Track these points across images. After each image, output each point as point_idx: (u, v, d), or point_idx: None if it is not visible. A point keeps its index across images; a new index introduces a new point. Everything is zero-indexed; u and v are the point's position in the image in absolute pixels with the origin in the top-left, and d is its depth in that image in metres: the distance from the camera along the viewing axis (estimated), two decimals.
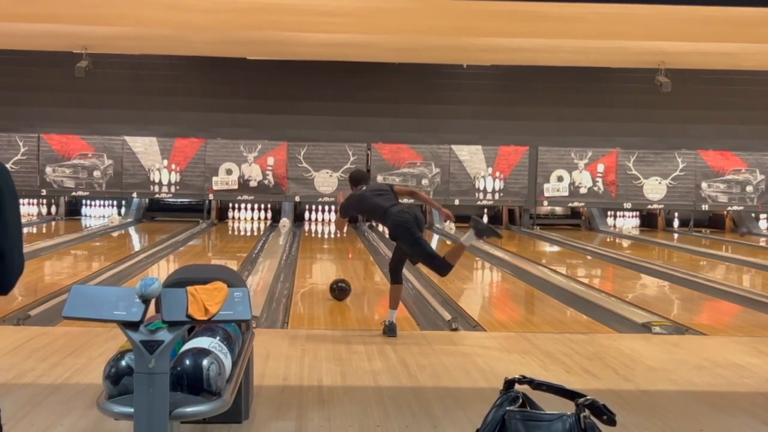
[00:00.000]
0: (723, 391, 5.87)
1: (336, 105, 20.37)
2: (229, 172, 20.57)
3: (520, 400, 2.39)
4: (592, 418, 2.27)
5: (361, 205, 7.94)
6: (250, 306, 3.64)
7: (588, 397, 2.30)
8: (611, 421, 2.28)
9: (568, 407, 2.50)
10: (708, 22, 12.32)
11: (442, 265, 7.71)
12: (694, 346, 7.41)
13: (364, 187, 8.02)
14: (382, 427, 4.91)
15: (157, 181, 20.45)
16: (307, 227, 20.31)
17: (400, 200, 7.86)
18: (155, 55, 19.40)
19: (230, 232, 19.60)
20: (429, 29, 13.39)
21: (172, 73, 20.40)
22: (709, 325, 8.84)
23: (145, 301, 3.41)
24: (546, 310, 10.00)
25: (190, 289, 3.53)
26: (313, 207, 21.18)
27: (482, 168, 20.95)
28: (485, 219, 21.89)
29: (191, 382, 3.71)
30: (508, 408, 2.35)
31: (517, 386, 2.47)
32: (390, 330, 7.49)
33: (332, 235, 19.28)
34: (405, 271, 12.11)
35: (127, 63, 19.82)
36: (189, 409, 3.60)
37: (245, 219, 21.13)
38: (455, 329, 7.91)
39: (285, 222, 19.87)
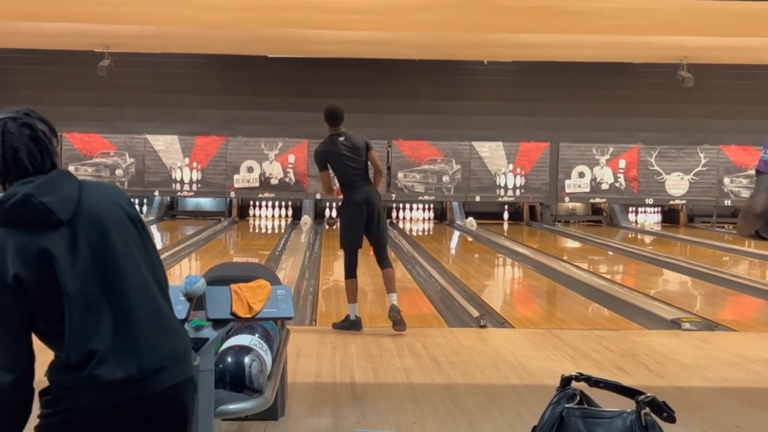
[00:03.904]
0: (757, 387, 5.85)
1: (356, 102, 20.34)
2: (250, 169, 20.60)
3: (578, 398, 2.38)
4: (653, 415, 2.27)
5: (333, 162, 7.52)
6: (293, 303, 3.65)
7: (648, 395, 2.30)
8: (671, 418, 2.28)
9: (620, 404, 2.49)
10: (731, 17, 12.29)
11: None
12: (725, 342, 7.38)
13: (342, 138, 7.54)
14: (418, 424, 4.91)
15: (178, 179, 20.51)
16: (328, 224, 20.31)
17: (368, 175, 7.57)
18: (177, 54, 19.46)
19: (251, 230, 19.64)
20: (450, 25, 13.40)
21: (193, 71, 20.46)
22: (736, 320, 8.81)
23: (190, 299, 3.43)
24: (572, 306, 9.98)
25: (233, 286, 3.55)
26: (334, 204, 21.14)
27: (503, 164, 20.90)
28: (506, 215, 21.83)
29: (234, 379, 3.74)
30: (566, 405, 2.35)
31: (573, 383, 2.46)
32: (393, 310, 7.38)
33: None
34: (429, 268, 12.20)
35: (149, 62, 19.88)
36: (232, 407, 3.62)
37: (266, 216, 21.16)
38: (483, 326, 7.89)
39: (306, 219, 19.89)
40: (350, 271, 7.59)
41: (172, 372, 2.30)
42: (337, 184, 7.68)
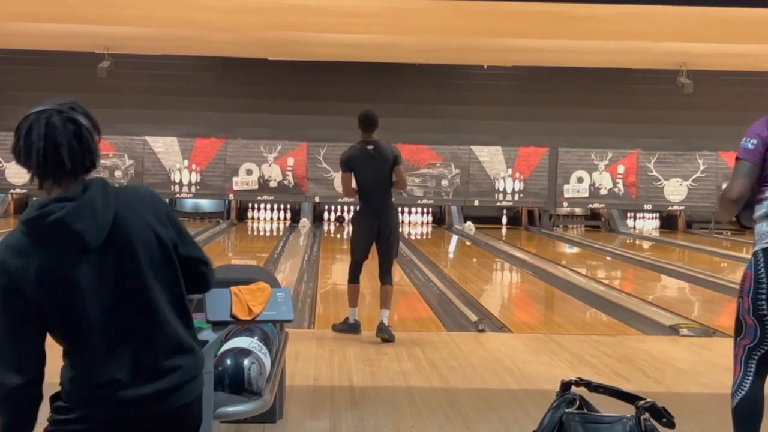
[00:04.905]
0: None
1: (356, 105, 20.16)
2: (249, 172, 20.62)
3: (578, 402, 2.39)
4: (652, 420, 2.28)
5: (357, 168, 7.41)
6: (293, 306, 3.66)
7: (648, 400, 2.31)
8: (670, 423, 2.29)
9: (620, 409, 2.50)
10: (730, 24, 12.29)
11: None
12: (723, 348, 7.35)
13: (371, 147, 7.44)
14: (416, 427, 4.92)
15: (177, 181, 20.52)
16: (326, 228, 20.34)
17: (390, 189, 7.45)
18: (177, 56, 19.46)
19: (250, 233, 19.64)
20: (450, 30, 13.40)
21: (193, 74, 20.45)
22: (733, 326, 8.79)
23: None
24: (570, 311, 9.98)
25: (233, 289, 3.54)
26: (333, 207, 21.19)
27: (502, 169, 20.92)
28: (504, 220, 21.82)
29: (233, 381, 3.74)
30: (566, 410, 2.36)
31: (573, 388, 2.47)
32: (381, 330, 7.24)
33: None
34: (428, 272, 12.21)
35: (149, 63, 19.88)
36: (231, 409, 3.62)
37: (265, 219, 21.16)
38: (482, 330, 7.90)
39: (305, 222, 19.91)
40: (353, 277, 7.59)
41: (186, 391, 2.28)
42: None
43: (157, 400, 2.22)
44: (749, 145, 3.67)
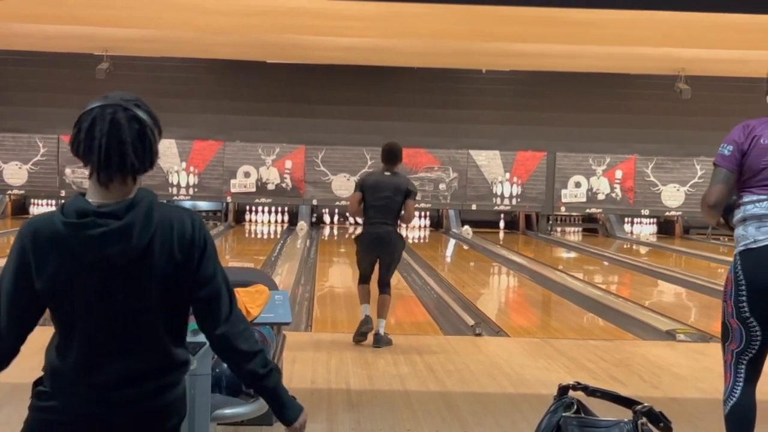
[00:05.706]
0: None
1: (354, 109, 20.39)
2: (247, 174, 20.61)
3: (575, 407, 2.40)
4: (649, 425, 2.28)
5: (368, 189, 7.50)
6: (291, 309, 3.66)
7: (645, 404, 2.31)
8: (667, 428, 2.29)
9: (617, 414, 2.50)
10: (729, 29, 12.31)
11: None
12: (720, 353, 7.34)
13: (389, 173, 7.56)
14: (413, 431, 4.92)
15: (175, 183, 20.52)
16: (324, 230, 20.33)
17: (395, 218, 7.46)
18: (175, 58, 19.44)
19: (247, 235, 19.64)
20: (448, 34, 13.41)
21: (191, 76, 20.45)
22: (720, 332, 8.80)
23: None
24: (567, 316, 9.99)
25: None
26: (330, 210, 21.20)
27: (500, 173, 20.93)
28: (502, 224, 21.82)
29: (230, 383, 3.74)
30: (563, 414, 2.36)
31: (571, 392, 2.48)
32: (378, 341, 7.29)
33: (349, 238, 19.30)
34: (425, 275, 12.22)
35: (148, 65, 19.86)
36: (228, 411, 3.62)
37: (262, 222, 21.15)
38: (479, 334, 7.90)
39: (302, 225, 19.89)
40: (361, 280, 7.62)
41: (169, 393, 2.27)
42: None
43: (140, 399, 2.23)
44: (725, 152, 3.77)
